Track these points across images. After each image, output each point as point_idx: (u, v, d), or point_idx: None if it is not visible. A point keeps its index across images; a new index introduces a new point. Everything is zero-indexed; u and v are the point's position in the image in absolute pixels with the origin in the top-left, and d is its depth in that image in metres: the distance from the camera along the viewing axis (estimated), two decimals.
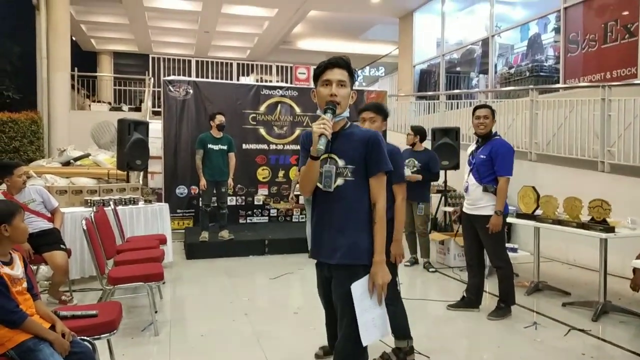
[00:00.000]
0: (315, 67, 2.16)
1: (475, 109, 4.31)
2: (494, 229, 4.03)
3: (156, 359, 3.42)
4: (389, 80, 14.66)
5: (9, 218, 2.34)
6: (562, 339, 3.76)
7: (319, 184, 2.12)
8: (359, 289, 2.04)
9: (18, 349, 2.18)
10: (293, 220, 8.47)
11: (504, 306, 4.22)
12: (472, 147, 4.39)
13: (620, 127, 6.09)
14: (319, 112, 2.12)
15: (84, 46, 17.75)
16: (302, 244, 6.23)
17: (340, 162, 2.11)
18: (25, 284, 2.37)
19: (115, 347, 3.09)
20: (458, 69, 12.73)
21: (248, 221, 8.29)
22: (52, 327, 2.33)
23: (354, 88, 2.20)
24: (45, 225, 4.44)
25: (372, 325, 2.04)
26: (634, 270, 4.42)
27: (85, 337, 2.48)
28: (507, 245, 6.04)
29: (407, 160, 5.75)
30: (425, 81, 13.21)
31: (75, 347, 2.33)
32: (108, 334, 2.70)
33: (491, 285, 4.93)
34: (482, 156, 4.16)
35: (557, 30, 9.08)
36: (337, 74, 2.10)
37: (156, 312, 4.11)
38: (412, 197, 5.75)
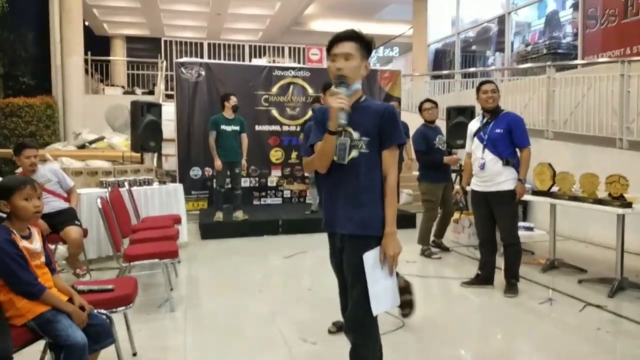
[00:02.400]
0: None
1: (481, 84, 4.29)
2: (520, 197, 4.10)
3: (172, 334, 3.47)
4: (403, 60, 14.52)
5: (7, 194, 2.30)
6: (577, 315, 3.73)
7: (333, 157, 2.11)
8: (370, 259, 2.05)
9: (38, 320, 2.23)
10: (307, 201, 8.48)
11: (515, 282, 4.21)
12: (477, 123, 4.34)
13: None
14: (333, 88, 2.11)
15: (97, 31, 17.81)
16: (316, 224, 6.23)
17: (355, 135, 2.10)
18: (43, 259, 2.41)
19: (132, 323, 3.14)
20: (473, 47, 12.55)
21: (262, 202, 8.33)
22: (70, 301, 2.38)
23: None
24: (61, 205, 4.50)
25: (383, 295, 2.06)
26: None
27: (102, 311, 2.52)
28: (523, 224, 6.00)
29: (437, 138, 5.51)
30: (440, 61, 13.05)
31: (92, 320, 2.37)
32: (124, 308, 2.75)
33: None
34: (497, 131, 4.12)
35: (575, 6, 8.88)
36: (344, 47, 2.09)
37: (172, 289, 4.18)
38: (447, 178, 5.71)
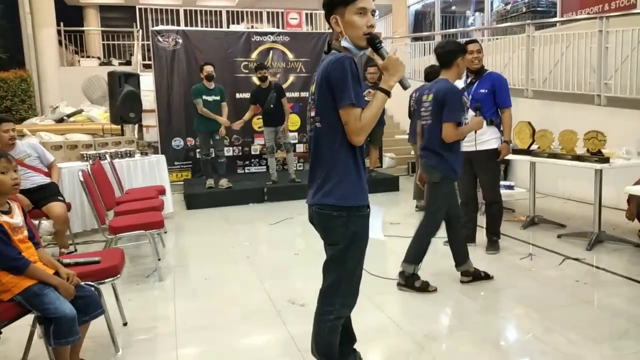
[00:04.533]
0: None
1: (466, 44, 4.24)
2: (504, 157, 4.15)
3: (162, 303, 3.51)
4: (383, 22, 14.30)
5: None
6: (556, 268, 3.86)
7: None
8: None
9: (24, 294, 2.24)
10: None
11: (497, 239, 4.32)
12: (461, 84, 4.34)
13: (618, 60, 6.00)
14: (345, 42, 1.94)
15: (68, 1, 17.20)
16: (301, 191, 6.28)
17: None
18: (26, 233, 2.41)
19: (121, 293, 3.17)
20: (453, 8, 12.43)
21: (246, 171, 8.31)
22: (56, 274, 2.38)
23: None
24: (42, 180, 4.44)
25: None
26: (629, 200, 4.48)
27: (89, 282, 2.54)
28: (504, 182, 6.09)
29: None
30: (420, 22, 12.91)
31: (80, 292, 2.39)
32: (112, 279, 2.77)
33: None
34: (482, 90, 4.15)
35: None
36: (372, 3, 1.95)
37: (159, 259, 4.20)
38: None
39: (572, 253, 4.15)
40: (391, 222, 5.46)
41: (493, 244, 4.30)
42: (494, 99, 4.14)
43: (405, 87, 1.97)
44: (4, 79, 9.99)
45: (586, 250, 4.22)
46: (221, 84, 6.85)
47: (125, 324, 3.06)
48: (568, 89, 6.64)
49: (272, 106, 6.68)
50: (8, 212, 2.34)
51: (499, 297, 3.47)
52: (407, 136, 6.56)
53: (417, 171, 4.90)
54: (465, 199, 4.46)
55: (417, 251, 3.49)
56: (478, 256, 4.20)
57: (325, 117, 1.93)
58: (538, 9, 9.20)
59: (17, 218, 2.37)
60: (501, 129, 4.16)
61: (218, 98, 6.64)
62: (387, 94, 1.91)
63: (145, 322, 3.16)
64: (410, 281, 3.47)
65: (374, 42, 1.95)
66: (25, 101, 10.20)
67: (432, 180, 3.46)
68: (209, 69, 6.57)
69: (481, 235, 4.46)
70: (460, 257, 3.62)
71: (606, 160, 4.14)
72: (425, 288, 3.46)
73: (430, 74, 5.48)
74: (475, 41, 4.33)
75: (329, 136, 1.93)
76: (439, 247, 4.56)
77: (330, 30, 2.06)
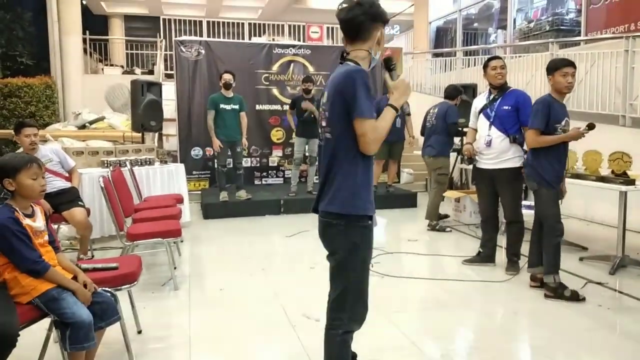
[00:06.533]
0: (377, 5, 2.01)
1: (489, 60, 4.24)
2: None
3: (176, 312, 3.49)
4: (404, 38, 14.34)
5: (12, 172, 2.28)
6: (578, 292, 3.75)
7: None
8: None
9: (43, 298, 2.24)
10: (306, 181, 8.46)
11: (517, 260, 4.23)
12: (483, 100, 4.30)
13: None
14: (376, 56, 2.06)
15: (94, 10, 17.55)
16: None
17: None
18: (46, 237, 2.42)
19: (136, 301, 3.16)
20: (475, 25, 12.40)
21: (263, 182, 8.32)
22: (75, 279, 2.39)
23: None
24: (63, 184, 4.49)
25: None
26: None
27: (106, 288, 2.54)
28: (525, 202, 6.02)
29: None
30: (442, 38, 12.90)
31: (97, 297, 2.39)
32: (129, 285, 2.76)
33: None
34: (505, 107, 4.08)
35: None
36: None
37: (175, 268, 4.20)
38: None
39: (594, 277, 4.04)
40: (409, 238, 5.40)
41: (513, 265, 4.21)
42: (516, 116, 4.06)
43: (405, 113, 2.13)
44: (30, 84, 10.20)
45: (609, 275, 4.11)
46: (242, 95, 6.87)
47: (139, 332, 3.05)
48: (592, 109, 6.54)
49: (310, 117, 6.68)
50: (31, 216, 2.36)
51: (518, 318, 3.39)
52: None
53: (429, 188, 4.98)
54: (485, 217, 4.41)
55: (549, 260, 3.60)
56: (497, 276, 4.13)
57: (336, 127, 1.97)
58: (562, 27, 9.14)
59: (39, 222, 2.39)
60: (524, 147, 4.09)
61: (237, 107, 6.60)
62: (396, 110, 2.00)
63: (160, 331, 3.15)
64: (558, 292, 3.54)
65: (389, 63, 2.09)
66: (49, 107, 10.40)
67: (531, 189, 3.72)
68: (227, 77, 6.53)
69: (501, 255, 4.38)
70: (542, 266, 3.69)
71: (632, 182, 4.05)
72: (576, 297, 3.52)
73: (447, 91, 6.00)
74: (498, 57, 4.30)
75: (338, 146, 1.97)
76: (453, 265, 4.50)
77: None
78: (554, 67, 3.58)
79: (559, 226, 3.58)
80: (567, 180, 4.54)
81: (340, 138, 1.96)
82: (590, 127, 3.50)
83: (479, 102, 4.36)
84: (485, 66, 4.25)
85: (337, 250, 2.03)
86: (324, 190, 2.04)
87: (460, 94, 6.02)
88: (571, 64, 3.58)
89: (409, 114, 6.86)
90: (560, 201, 3.68)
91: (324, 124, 2.05)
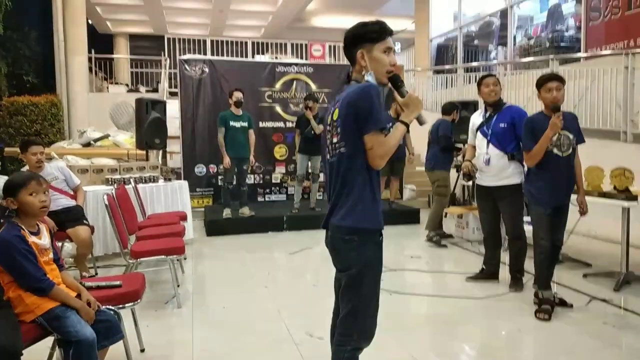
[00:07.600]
0: (365, 25, 2.04)
1: (482, 78, 4.26)
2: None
3: (179, 330, 3.50)
4: (406, 55, 14.46)
5: (13, 191, 2.31)
6: (582, 309, 3.74)
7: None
8: None
9: (47, 316, 2.25)
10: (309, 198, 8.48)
11: (520, 276, 4.21)
12: (479, 117, 4.31)
13: None
14: (369, 77, 2.03)
15: (100, 29, 17.82)
16: (320, 220, 6.24)
17: None
18: (51, 255, 2.44)
19: (139, 319, 3.16)
20: (476, 42, 12.50)
21: (266, 199, 8.35)
22: (78, 297, 2.40)
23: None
24: (68, 202, 4.53)
25: None
26: None
27: (110, 307, 2.54)
28: (527, 218, 6.02)
29: None
30: (443, 55, 13.00)
31: (101, 316, 2.40)
32: (132, 304, 2.77)
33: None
34: (501, 125, 4.08)
35: None
36: (392, 44, 2.09)
37: (178, 285, 4.21)
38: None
39: (598, 293, 4.02)
40: (412, 255, 5.40)
41: (517, 282, 4.19)
42: (513, 132, 4.05)
43: (421, 123, 2.09)
44: (36, 103, 10.32)
45: (613, 291, 4.09)
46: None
47: (142, 350, 3.04)
48: (593, 125, 6.56)
49: (311, 134, 6.73)
50: (37, 234, 2.38)
51: (522, 337, 3.37)
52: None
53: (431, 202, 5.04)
54: (487, 233, 4.41)
55: (536, 274, 3.73)
56: (501, 293, 4.11)
57: (349, 142, 1.99)
58: (562, 44, 9.21)
59: (45, 240, 2.41)
60: (523, 164, 4.09)
61: (246, 124, 6.65)
62: (407, 126, 2.02)
63: (163, 349, 3.15)
64: (541, 307, 3.60)
65: (396, 81, 2.07)
66: (54, 125, 10.51)
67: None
68: (238, 95, 6.58)
69: (505, 271, 4.37)
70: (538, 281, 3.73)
71: (634, 198, 4.05)
72: (548, 311, 3.55)
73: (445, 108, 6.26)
74: (491, 75, 4.31)
75: (351, 161, 1.99)
76: (456, 281, 4.49)
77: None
78: (539, 84, 3.64)
79: (543, 243, 3.63)
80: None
81: (356, 153, 1.98)
82: (555, 109, 3.49)
83: (475, 119, 4.37)
84: (479, 84, 4.27)
85: (350, 267, 2.02)
86: (337, 205, 2.04)
87: (455, 109, 6.16)
88: (555, 79, 3.57)
89: (423, 123, 6.94)
90: (580, 217, 3.86)
91: (335, 139, 2.06)
